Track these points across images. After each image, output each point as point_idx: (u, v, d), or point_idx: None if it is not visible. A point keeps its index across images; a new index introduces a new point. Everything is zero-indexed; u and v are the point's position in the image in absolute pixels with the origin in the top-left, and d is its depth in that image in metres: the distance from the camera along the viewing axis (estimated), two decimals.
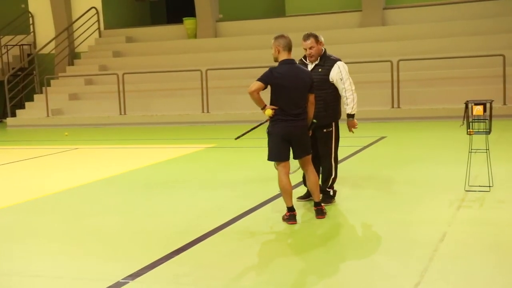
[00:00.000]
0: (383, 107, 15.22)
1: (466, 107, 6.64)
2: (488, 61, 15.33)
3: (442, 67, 15.85)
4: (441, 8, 17.97)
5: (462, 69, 15.67)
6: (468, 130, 6.66)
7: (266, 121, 5.92)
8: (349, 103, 6.37)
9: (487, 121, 6.67)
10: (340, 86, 6.32)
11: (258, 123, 6.36)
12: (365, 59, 16.38)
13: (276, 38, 5.83)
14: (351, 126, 6.54)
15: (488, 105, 6.56)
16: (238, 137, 6.55)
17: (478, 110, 6.55)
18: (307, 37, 6.27)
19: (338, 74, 6.28)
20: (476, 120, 6.67)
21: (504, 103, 14.30)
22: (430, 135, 12.02)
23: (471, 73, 15.48)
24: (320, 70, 6.25)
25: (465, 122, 6.65)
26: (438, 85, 15.55)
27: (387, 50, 16.80)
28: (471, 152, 6.77)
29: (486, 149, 6.74)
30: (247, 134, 6.32)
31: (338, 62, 6.32)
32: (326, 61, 6.29)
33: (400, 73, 15.10)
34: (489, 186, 6.77)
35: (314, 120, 5.98)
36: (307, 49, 6.25)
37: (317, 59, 6.28)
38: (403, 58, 15.46)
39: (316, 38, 6.25)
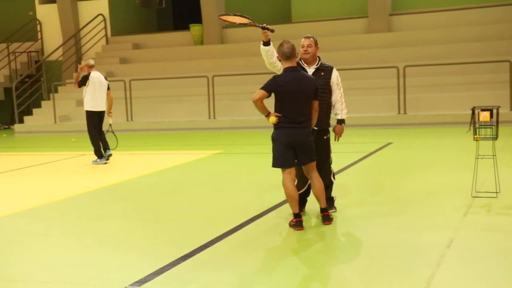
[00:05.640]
0: (389, 113, 15.21)
1: (473, 113, 6.64)
2: (495, 67, 15.31)
3: (449, 73, 15.85)
4: (447, 14, 17.97)
5: (468, 75, 15.66)
6: (475, 136, 6.66)
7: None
8: (343, 108, 6.41)
9: (494, 127, 6.66)
10: (336, 91, 6.36)
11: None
12: (371, 65, 16.42)
13: (278, 46, 5.84)
14: (341, 132, 6.50)
15: (494, 111, 6.56)
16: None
17: (484, 116, 6.55)
18: (308, 36, 6.31)
19: (336, 79, 6.36)
20: (483, 126, 6.67)
21: (511, 109, 14.27)
22: (436, 141, 12.01)
23: (478, 79, 15.47)
24: (322, 73, 6.26)
25: (471, 128, 6.65)
26: (444, 91, 15.54)
27: (393, 56, 16.82)
28: (478, 158, 6.76)
29: (493, 155, 6.73)
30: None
31: (334, 68, 6.41)
32: (324, 66, 6.32)
33: (406, 79, 15.11)
34: (496, 192, 6.75)
35: (316, 128, 5.98)
36: (305, 47, 6.22)
37: (315, 63, 6.27)
38: (409, 64, 15.47)
39: (316, 41, 6.30)
